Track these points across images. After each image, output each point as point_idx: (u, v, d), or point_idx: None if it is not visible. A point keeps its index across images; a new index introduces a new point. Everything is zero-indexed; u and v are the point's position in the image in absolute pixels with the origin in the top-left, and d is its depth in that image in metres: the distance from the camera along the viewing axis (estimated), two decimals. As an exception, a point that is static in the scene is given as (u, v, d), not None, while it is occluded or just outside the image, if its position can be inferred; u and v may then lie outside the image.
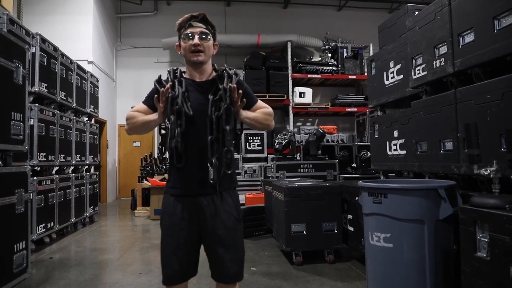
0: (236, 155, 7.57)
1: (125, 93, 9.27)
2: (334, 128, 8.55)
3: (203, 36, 1.61)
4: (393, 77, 3.47)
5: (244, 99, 1.62)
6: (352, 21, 9.95)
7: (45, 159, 4.15)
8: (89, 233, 5.10)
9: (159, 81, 1.68)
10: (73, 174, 4.99)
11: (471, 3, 2.29)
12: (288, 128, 8.72)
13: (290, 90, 8.69)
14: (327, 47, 9.04)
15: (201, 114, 1.59)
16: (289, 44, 8.81)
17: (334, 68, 8.81)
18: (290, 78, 8.70)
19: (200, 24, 1.62)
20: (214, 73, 1.71)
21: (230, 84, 1.59)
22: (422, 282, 2.19)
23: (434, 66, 2.63)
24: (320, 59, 9.20)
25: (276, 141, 6.69)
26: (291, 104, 8.68)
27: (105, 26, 8.58)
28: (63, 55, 4.76)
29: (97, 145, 6.18)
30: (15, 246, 2.48)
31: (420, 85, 2.84)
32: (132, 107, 1.83)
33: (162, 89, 1.56)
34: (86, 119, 5.82)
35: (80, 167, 5.48)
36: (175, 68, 1.72)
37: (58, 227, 4.43)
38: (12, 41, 2.55)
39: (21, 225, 2.58)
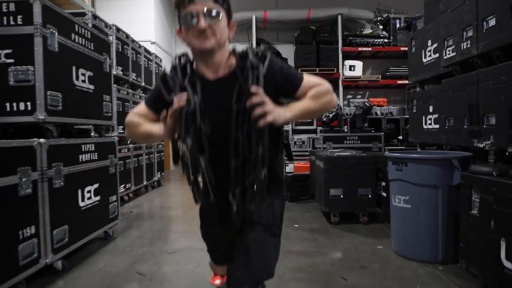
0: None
1: (183, 70, 10.01)
2: (384, 100, 8.65)
3: (211, 16, 1.16)
4: (430, 55, 3.67)
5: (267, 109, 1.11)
6: (406, -10, 9.64)
7: (122, 131, 4.93)
8: (157, 194, 5.95)
9: (163, 79, 1.30)
10: (144, 144, 5.80)
11: (494, -12, 2.49)
12: (337, 102, 8.95)
13: (340, 63, 8.84)
14: (378, 18, 8.96)
15: (223, 132, 1.20)
16: (339, 18, 8.88)
17: (386, 40, 8.75)
18: (340, 52, 8.82)
19: None
20: (233, 61, 1.26)
21: (253, 88, 1.14)
22: (435, 239, 2.58)
23: (462, 48, 2.86)
24: (371, 31, 9.15)
25: (324, 114, 7.03)
26: (341, 77, 8.85)
27: (165, 8, 9.26)
28: (133, 40, 5.46)
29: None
30: (109, 198, 3.23)
31: (450, 65, 3.07)
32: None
33: (176, 105, 1.15)
34: (152, 95, 6.59)
35: (148, 138, 6.30)
36: (181, 55, 1.32)
37: (134, 188, 5.28)
38: (102, 38, 3.20)
39: (113, 182, 3.32)
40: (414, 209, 2.65)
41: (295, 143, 7.92)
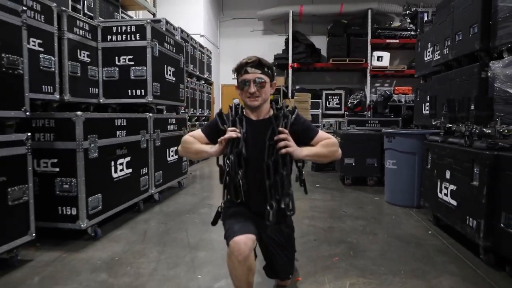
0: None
1: (226, 58, 11.20)
2: (409, 89, 9.40)
3: (259, 83, 1.62)
4: (429, 55, 4.63)
5: (291, 147, 1.58)
6: (436, -16, 10.21)
7: (183, 112, 6.24)
8: (206, 164, 7.27)
9: (219, 114, 1.75)
10: (197, 122, 7.11)
11: (461, 13, 3.45)
12: (365, 89, 9.88)
13: (369, 54, 9.68)
14: (407, 12, 9.67)
15: (257, 156, 1.62)
16: (369, 12, 9.68)
17: (413, 33, 9.49)
18: (369, 44, 9.66)
19: (256, 70, 1.62)
20: (271, 111, 1.73)
21: (280, 129, 1.60)
22: (412, 190, 3.66)
23: (444, 53, 3.83)
24: (400, 24, 9.89)
25: (349, 100, 8.04)
26: (369, 67, 9.72)
27: (212, 3, 10.44)
28: (191, 38, 6.71)
29: (210, 102, 8.25)
30: (182, 158, 4.52)
31: (437, 65, 4.05)
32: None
33: (232, 134, 1.60)
34: (203, 82, 7.86)
35: (200, 118, 7.61)
36: (237, 104, 1.77)
37: (190, 157, 6.61)
38: (179, 43, 4.45)
39: (184, 147, 4.60)
40: (399, 169, 3.73)
41: (323, 125, 8.99)
